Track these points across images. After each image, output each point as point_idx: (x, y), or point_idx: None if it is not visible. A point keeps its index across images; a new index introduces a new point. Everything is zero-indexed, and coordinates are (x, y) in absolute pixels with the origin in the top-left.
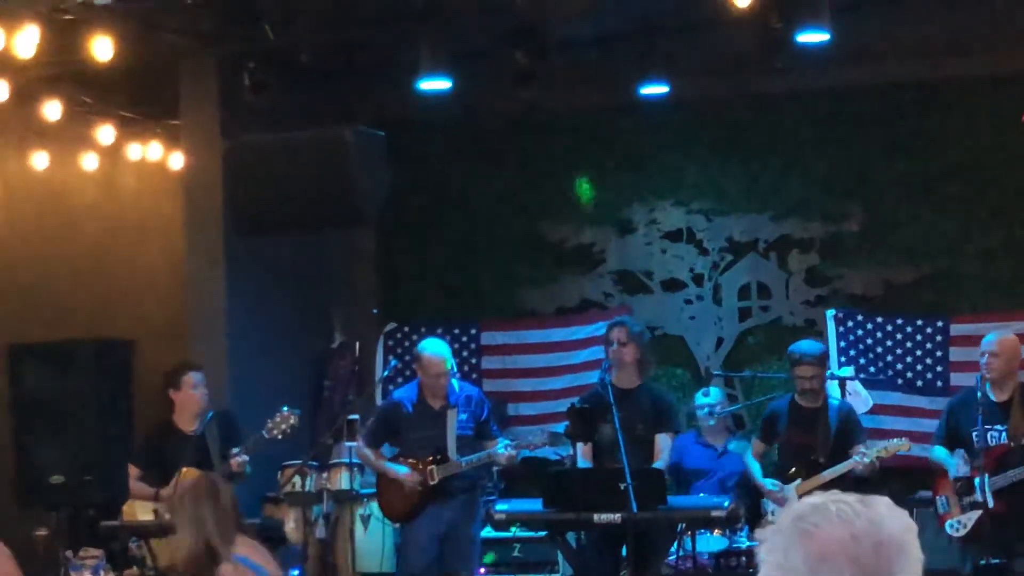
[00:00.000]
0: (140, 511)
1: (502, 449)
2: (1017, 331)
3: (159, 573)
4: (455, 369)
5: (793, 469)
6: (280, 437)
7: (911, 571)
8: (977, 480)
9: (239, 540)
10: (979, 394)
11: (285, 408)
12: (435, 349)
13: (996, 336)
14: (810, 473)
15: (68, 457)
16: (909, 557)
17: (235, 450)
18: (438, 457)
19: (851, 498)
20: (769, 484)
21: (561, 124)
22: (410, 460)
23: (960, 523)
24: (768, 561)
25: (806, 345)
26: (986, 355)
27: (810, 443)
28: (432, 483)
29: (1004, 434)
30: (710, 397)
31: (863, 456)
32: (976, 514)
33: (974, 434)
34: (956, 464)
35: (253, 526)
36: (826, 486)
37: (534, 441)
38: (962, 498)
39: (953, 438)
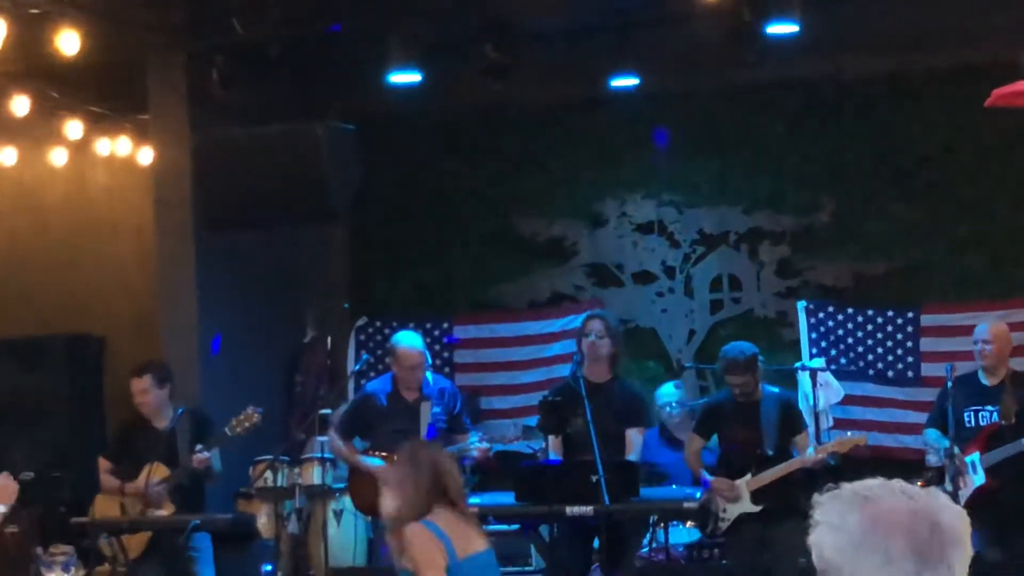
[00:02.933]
0: (108, 507)
1: (475, 443)
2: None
3: (130, 569)
4: (429, 361)
5: (741, 466)
6: (242, 434)
7: (962, 564)
8: (969, 458)
9: (437, 510)
10: (949, 384)
11: (249, 407)
12: (409, 341)
13: (989, 325)
14: (760, 467)
15: (39, 453)
16: (963, 549)
17: (198, 447)
18: None
19: (915, 486)
20: (716, 480)
21: (532, 118)
22: (383, 453)
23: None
24: (823, 523)
25: (733, 351)
26: (980, 343)
27: (753, 438)
28: None
29: (995, 414)
30: (680, 389)
31: (815, 451)
32: (966, 493)
33: (966, 415)
34: (936, 450)
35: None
36: (778, 480)
37: (507, 435)
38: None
39: (946, 419)
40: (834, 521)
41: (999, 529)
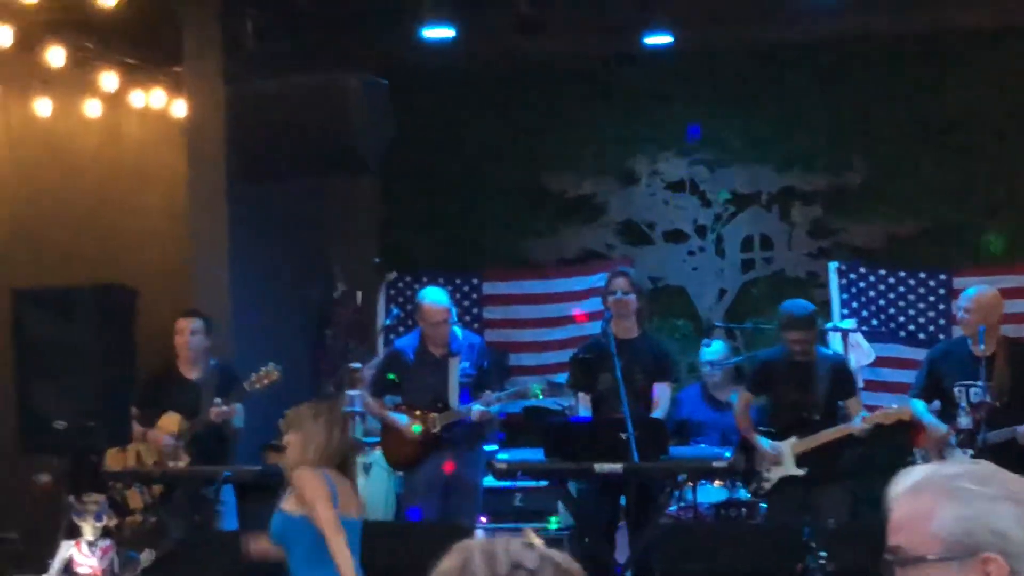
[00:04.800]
0: (115, 459)
1: (476, 406)
2: (1019, 284)
3: (160, 520)
4: (455, 317)
5: (787, 427)
6: (261, 391)
7: None
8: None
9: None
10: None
11: (270, 364)
12: (434, 297)
13: (974, 291)
14: (805, 432)
15: (71, 403)
16: None
17: (217, 400)
18: (439, 406)
19: None
20: (764, 443)
21: (564, 73)
22: (411, 409)
23: None
24: (1002, 496)
25: (795, 308)
26: (960, 310)
27: (802, 400)
28: (434, 431)
29: (984, 390)
30: (711, 348)
31: (862, 420)
32: None
33: (955, 389)
34: (957, 416)
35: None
36: (822, 446)
37: (528, 391)
38: (964, 450)
39: (934, 390)
40: (1014, 493)
41: None
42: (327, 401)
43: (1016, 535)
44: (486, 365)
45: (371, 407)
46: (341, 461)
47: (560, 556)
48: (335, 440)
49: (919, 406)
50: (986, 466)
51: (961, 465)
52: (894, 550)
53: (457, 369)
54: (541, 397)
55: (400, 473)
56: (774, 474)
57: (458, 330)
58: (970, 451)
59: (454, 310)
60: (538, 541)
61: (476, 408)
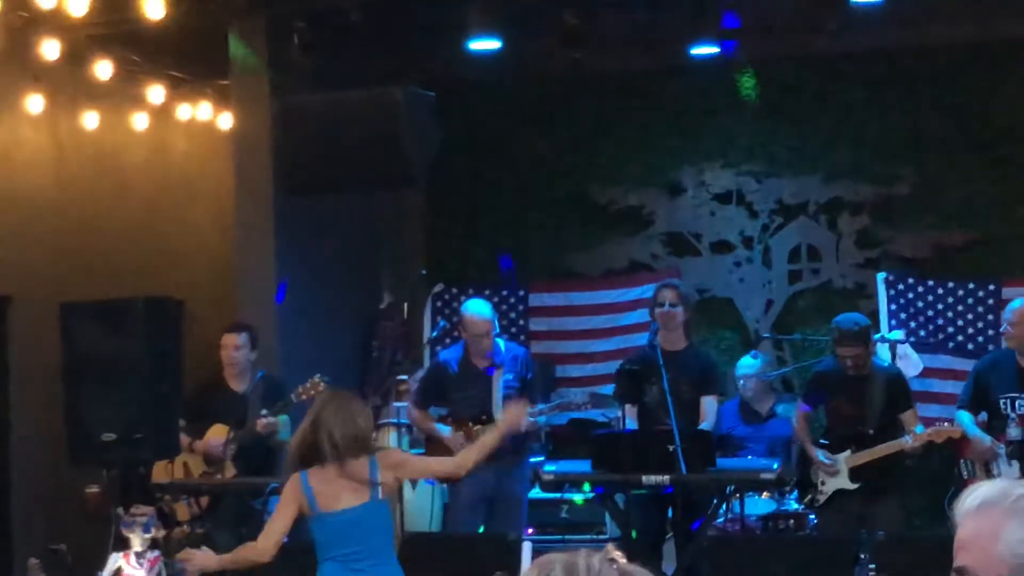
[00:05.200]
0: (160, 471)
1: (528, 418)
2: None
3: (208, 531)
4: (498, 328)
5: (842, 439)
6: (308, 402)
7: None
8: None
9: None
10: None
11: (316, 375)
12: (477, 309)
13: (1018, 304)
14: (860, 446)
15: (119, 415)
16: None
17: (263, 411)
18: (483, 418)
19: None
20: (820, 456)
21: (610, 85)
22: (455, 422)
23: None
24: None
25: (846, 323)
26: (1005, 323)
27: (858, 414)
28: None
29: None
30: (745, 362)
31: (912, 437)
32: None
33: (1001, 402)
34: (1007, 427)
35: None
36: (876, 460)
37: (573, 402)
38: (1012, 461)
39: (980, 402)
40: None
41: None
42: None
43: None
44: (530, 376)
45: (415, 419)
46: (333, 451)
47: (641, 572)
48: (304, 438)
49: (965, 418)
50: None
51: None
52: (961, 571)
53: (501, 381)
54: (585, 409)
55: (446, 484)
56: (829, 486)
57: (501, 342)
58: (1018, 463)
59: (497, 321)
60: (619, 556)
61: (531, 419)
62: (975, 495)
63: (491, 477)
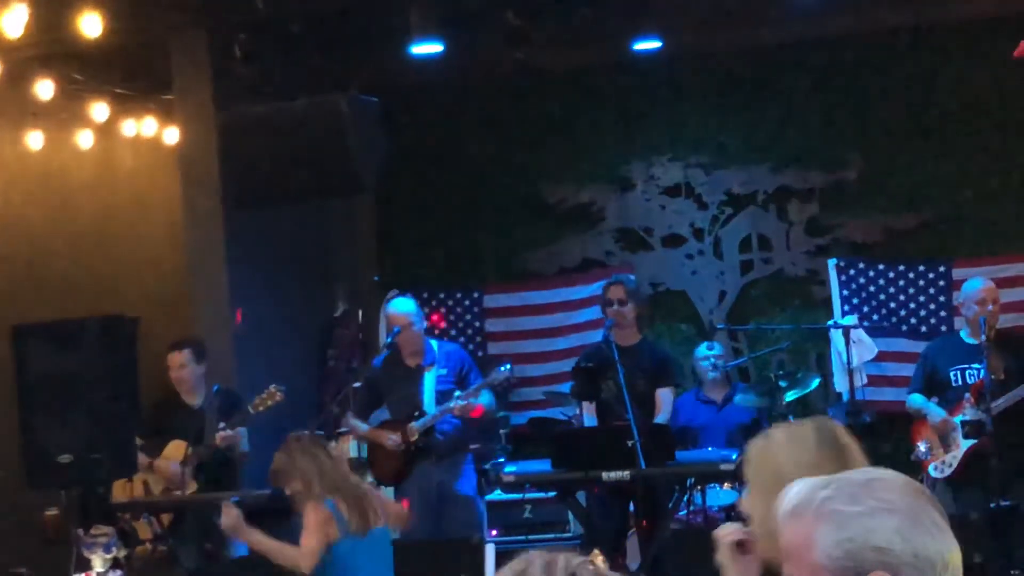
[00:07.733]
0: (121, 489)
1: (452, 402)
2: (1019, 272)
3: (170, 549)
4: (423, 324)
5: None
6: (265, 412)
7: None
8: (958, 418)
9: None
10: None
11: (272, 385)
12: (395, 304)
13: (978, 284)
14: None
15: (75, 436)
16: None
17: (221, 425)
18: (416, 415)
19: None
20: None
21: (556, 83)
22: (391, 423)
23: (945, 463)
24: (872, 507)
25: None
26: (975, 304)
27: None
28: (412, 440)
29: (982, 371)
30: (715, 350)
31: None
32: (958, 455)
33: (952, 374)
34: (963, 408)
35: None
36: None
37: (496, 379)
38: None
39: (930, 382)
40: (887, 503)
41: (988, 489)
42: (292, 438)
43: (897, 546)
44: (466, 370)
45: (354, 429)
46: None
47: None
48: (327, 464)
49: (918, 399)
50: (858, 477)
51: (834, 482)
52: None
53: (433, 377)
54: (509, 377)
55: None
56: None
57: (435, 342)
58: (974, 441)
59: (420, 317)
60: (601, 563)
61: (454, 404)
62: (787, 501)
63: (433, 480)
